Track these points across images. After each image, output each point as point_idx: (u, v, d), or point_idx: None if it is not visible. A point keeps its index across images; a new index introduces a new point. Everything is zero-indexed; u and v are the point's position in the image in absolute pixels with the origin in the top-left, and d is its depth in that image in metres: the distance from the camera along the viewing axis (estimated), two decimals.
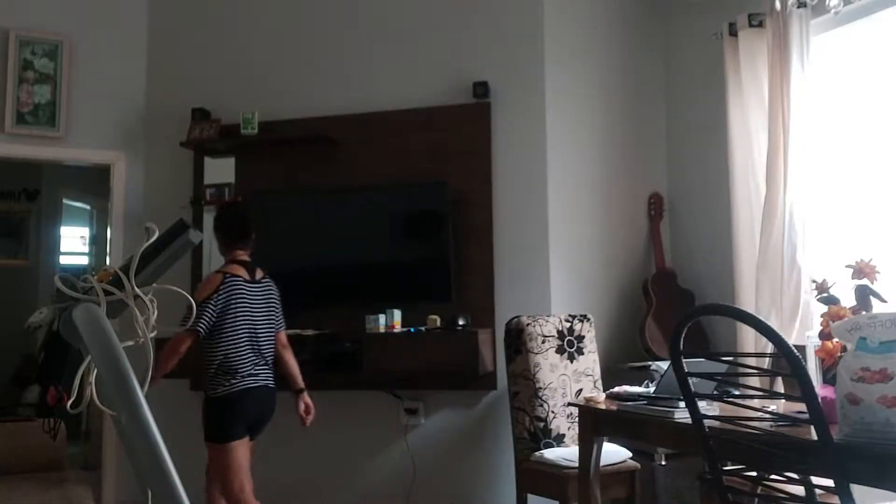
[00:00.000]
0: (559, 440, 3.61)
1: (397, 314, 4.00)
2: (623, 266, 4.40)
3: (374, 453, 4.28)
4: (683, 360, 2.07)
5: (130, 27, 4.84)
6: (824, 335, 2.38)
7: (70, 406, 1.36)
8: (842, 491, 1.83)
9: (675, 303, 4.24)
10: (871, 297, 2.44)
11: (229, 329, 3.23)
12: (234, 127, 4.47)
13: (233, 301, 3.25)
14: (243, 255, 3.42)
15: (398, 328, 3.98)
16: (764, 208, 3.59)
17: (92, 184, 6.00)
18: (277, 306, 3.49)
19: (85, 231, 7.05)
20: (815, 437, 1.85)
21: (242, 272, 3.35)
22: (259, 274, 3.43)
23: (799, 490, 2.25)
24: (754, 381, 3.34)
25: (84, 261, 7.01)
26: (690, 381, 2.08)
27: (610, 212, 4.39)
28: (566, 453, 3.38)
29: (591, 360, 3.83)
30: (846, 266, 2.52)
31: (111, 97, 4.76)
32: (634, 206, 4.47)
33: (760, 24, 3.72)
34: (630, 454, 3.46)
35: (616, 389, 2.97)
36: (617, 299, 4.35)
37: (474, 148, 4.24)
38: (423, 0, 4.47)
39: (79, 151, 4.70)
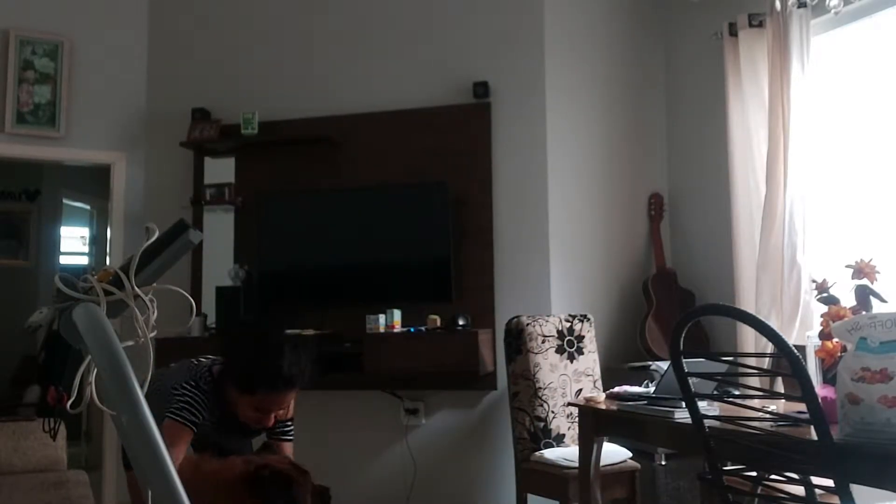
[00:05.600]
0: (559, 440, 3.61)
1: (397, 314, 4.00)
2: (623, 266, 4.40)
3: (374, 453, 4.28)
4: (683, 360, 2.07)
5: (130, 27, 4.84)
6: (824, 335, 2.38)
7: (70, 406, 1.35)
8: (842, 491, 1.83)
9: (675, 303, 4.24)
10: (871, 297, 2.44)
11: None
12: (234, 127, 4.48)
13: None
14: None
15: (398, 328, 3.98)
16: (764, 208, 3.59)
17: (92, 184, 6.00)
18: None
19: (85, 231, 7.05)
20: (815, 437, 1.85)
21: None
22: None
23: (799, 490, 2.25)
24: (754, 381, 3.33)
25: (84, 261, 7.01)
26: (690, 381, 2.08)
27: (610, 212, 4.39)
28: (566, 453, 3.38)
29: (591, 360, 3.83)
30: (846, 266, 2.52)
31: (111, 97, 4.76)
32: (634, 206, 4.47)
33: (760, 24, 3.72)
34: (630, 454, 3.46)
35: (616, 389, 2.97)
36: (617, 299, 4.35)
37: (474, 148, 4.24)
38: (423, 0, 4.47)
39: (79, 151, 4.70)
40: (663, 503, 3.67)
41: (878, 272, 2.46)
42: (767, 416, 2.13)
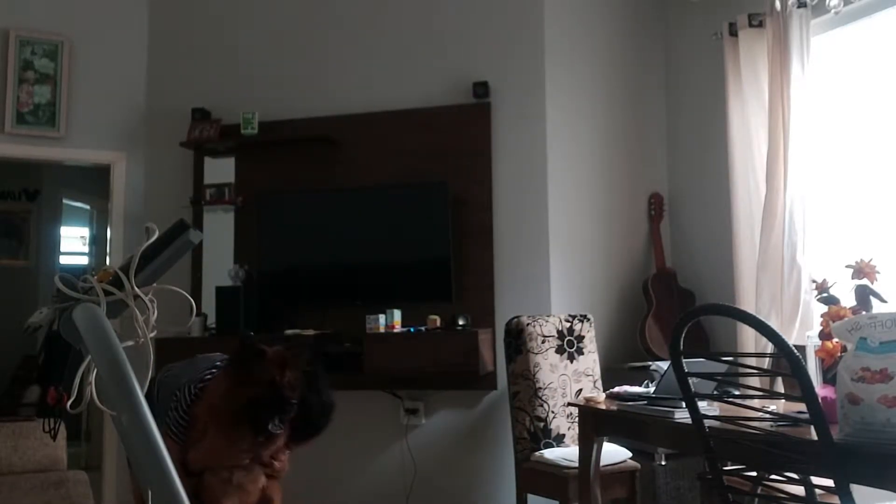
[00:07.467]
0: (559, 440, 3.61)
1: (397, 314, 4.00)
2: (623, 266, 4.40)
3: (374, 453, 4.28)
4: (683, 360, 2.07)
5: (130, 27, 4.84)
6: (824, 335, 2.38)
7: (70, 406, 1.36)
8: (842, 491, 1.83)
9: (675, 303, 4.24)
10: (871, 297, 2.44)
11: None
12: (234, 127, 4.47)
13: None
14: None
15: (398, 328, 3.98)
16: (764, 208, 3.59)
17: (92, 184, 6.00)
18: None
19: (85, 231, 7.05)
20: (815, 437, 1.85)
21: None
22: None
23: (799, 490, 2.25)
24: (754, 381, 3.33)
25: (84, 261, 7.01)
26: (690, 381, 2.08)
27: (610, 212, 4.39)
28: (566, 453, 3.38)
29: (591, 360, 3.83)
30: (846, 266, 2.52)
31: (111, 97, 4.76)
32: (634, 206, 4.47)
33: (760, 24, 3.72)
34: (630, 454, 3.46)
35: (616, 389, 2.97)
36: (617, 299, 4.35)
37: (474, 148, 4.24)
38: (423, 0, 4.47)
39: (79, 151, 4.70)
40: (663, 503, 3.67)
41: (878, 272, 2.47)
42: (767, 416, 2.13)
